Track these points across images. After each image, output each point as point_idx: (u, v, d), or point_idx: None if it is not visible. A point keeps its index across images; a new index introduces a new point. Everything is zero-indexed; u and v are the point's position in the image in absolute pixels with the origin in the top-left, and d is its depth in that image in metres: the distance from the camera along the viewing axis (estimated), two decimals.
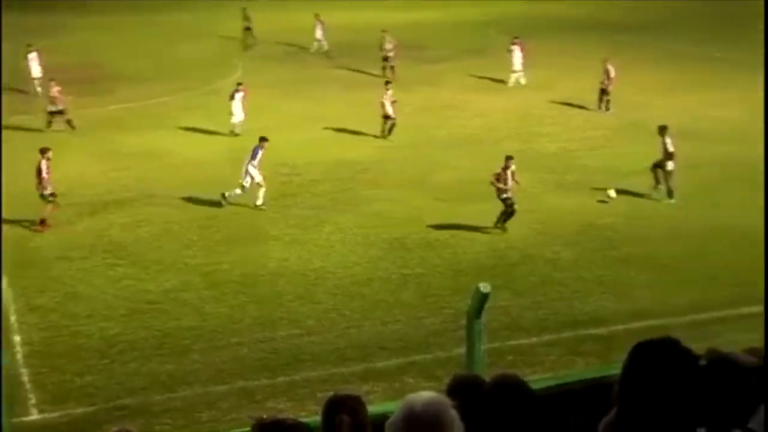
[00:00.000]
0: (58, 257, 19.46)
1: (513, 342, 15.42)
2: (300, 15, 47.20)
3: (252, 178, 22.21)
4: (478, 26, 49.59)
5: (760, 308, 16.50)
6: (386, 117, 28.34)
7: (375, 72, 37.25)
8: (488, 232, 20.45)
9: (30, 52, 35.19)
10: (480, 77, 36.81)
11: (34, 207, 21.13)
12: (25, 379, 14.55)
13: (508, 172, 20.46)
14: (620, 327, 15.85)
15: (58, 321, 16.60)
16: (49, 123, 29.26)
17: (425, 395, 3.16)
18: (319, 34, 43.20)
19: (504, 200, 20.42)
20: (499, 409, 3.60)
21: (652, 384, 2.77)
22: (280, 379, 14.53)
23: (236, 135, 28.23)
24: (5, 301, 17.21)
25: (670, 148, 22.18)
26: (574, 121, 30.37)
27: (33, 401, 13.97)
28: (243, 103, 28.92)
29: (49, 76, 31.68)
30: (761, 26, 45.95)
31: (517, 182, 20.67)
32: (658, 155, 22.45)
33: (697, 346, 3.27)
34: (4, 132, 27.96)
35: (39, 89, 33.87)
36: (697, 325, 15.85)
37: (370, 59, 38.20)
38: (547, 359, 14.94)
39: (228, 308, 17.04)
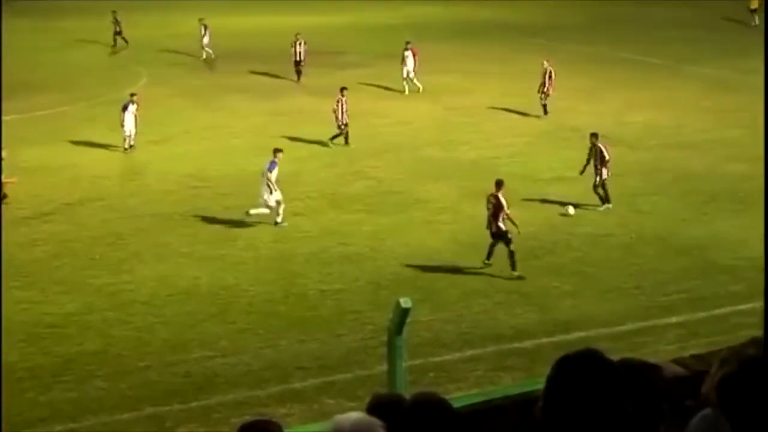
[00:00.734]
0: None
1: (436, 358, 15.08)
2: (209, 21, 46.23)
3: (271, 193, 20.93)
4: (392, 30, 49.20)
5: (685, 317, 16.55)
6: (344, 124, 27.59)
7: (289, 77, 36.69)
8: (408, 245, 20.00)
9: None
10: (394, 84, 36.20)
11: None
12: None
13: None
14: (545, 340, 15.65)
15: None
16: None
17: (354, 416, 3.17)
18: (206, 40, 42.09)
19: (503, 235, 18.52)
20: (420, 428, 3.54)
21: (575, 397, 2.75)
22: (193, 404, 14.00)
23: (127, 149, 27.12)
24: None
25: (606, 156, 22.00)
26: (494, 127, 30.14)
27: None
28: (136, 115, 27.45)
29: None
30: (673, 30, 47.32)
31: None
32: (583, 162, 22.16)
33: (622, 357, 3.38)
34: None
35: None
36: (622, 336, 15.76)
37: (281, 64, 37.58)
38: (472, 375, 14.67)
39: (135, 330, 16.33)
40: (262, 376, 14.77)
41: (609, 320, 16.38)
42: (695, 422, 3.05)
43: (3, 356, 15.17)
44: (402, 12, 55.71)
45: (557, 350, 3.18)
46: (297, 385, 14.48)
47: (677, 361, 5.92)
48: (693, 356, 6.21)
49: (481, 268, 18.63)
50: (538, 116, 30.73)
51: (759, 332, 3.77)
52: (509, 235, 18.33)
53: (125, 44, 44.64)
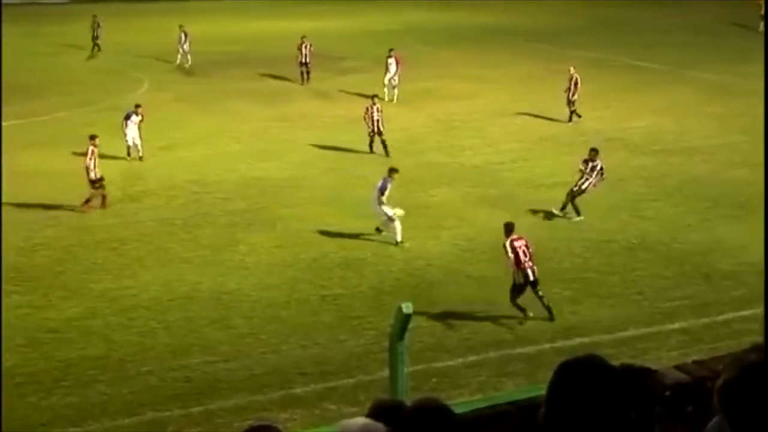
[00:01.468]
0: None
1: (438, 364, 14.97)
2: (210, 26, 46.36)
3: (386, 213, 20.32)
4: (392, 35, 49.14)
5: (687, 323, 16.49)
6: (378, 133, 27.35)
7: (291, 81, 36.65)
8: (410, 250, 19.93)
9: None
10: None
11: None
12: None
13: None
14: (547, 346, 15.56)
15: None
16: None
17: (360, 421, 3.17)
18: (186, 46, 42.05)
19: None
20: None
21: (577, 403, 2.71)
22: (195, 408, 13.88)
23: (130, 158, 26.96)
24: None
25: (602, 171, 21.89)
26: (497, 132, 30.10)
27: None
28: (139, 126, 27.17)
29: None
30: (677, 34, 47.29)
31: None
32: (578, 175, 22.00)
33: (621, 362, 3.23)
34: None
35: None
36: (624, 342, 15.68)
37: (283, 69, 37.55)
38: (474, 381, 14.54)
39: (137, 335, 16.23)
40: (264, 381, 14.65)
41: (611, 326, 16.29)
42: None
43: (4, 361, 15.16)
44: (402, 17, 55.76)
45: (559, 356, 3.14)
46: (299, 390, 14.37)
47: (679, 368, 5.90)
48: (695, 362, 6.18)
49: (481, 275, 18.54)
50: (540, 120, 30.68)
51: (761, 338, 3.75)
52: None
53: (98, 50, 44.74)
